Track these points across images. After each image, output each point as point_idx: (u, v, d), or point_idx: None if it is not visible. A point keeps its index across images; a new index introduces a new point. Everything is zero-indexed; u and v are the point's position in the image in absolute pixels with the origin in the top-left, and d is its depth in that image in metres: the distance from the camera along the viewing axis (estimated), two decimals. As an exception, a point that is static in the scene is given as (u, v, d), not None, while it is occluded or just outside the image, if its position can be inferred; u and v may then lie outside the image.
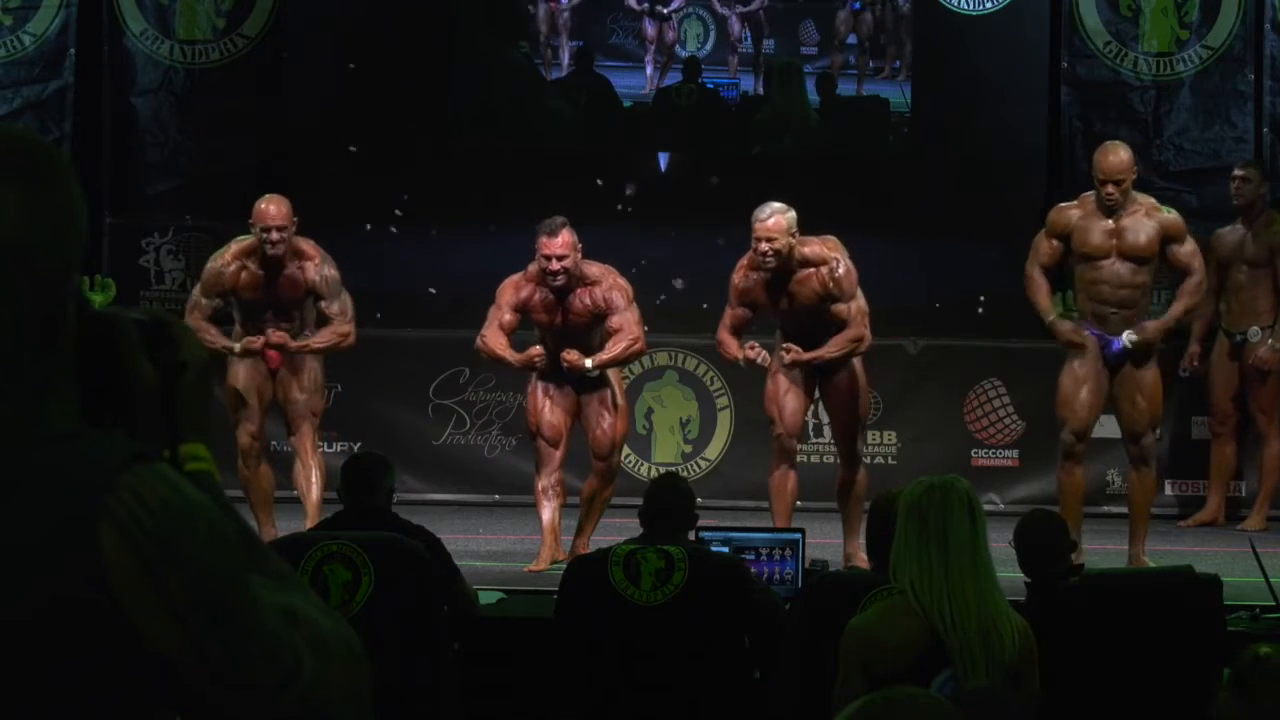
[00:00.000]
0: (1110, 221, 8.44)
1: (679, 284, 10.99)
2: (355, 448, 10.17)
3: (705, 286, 10.06)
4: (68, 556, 1.67)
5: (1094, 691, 5.95)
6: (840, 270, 8.36)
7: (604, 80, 11.84)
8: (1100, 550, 8.53)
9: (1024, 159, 11.40)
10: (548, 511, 8.52)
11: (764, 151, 11.75)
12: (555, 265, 8.38)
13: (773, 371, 8.52)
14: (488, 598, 7.21)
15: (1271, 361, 10.04)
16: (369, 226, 11.22)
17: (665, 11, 11.79)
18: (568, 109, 11.83)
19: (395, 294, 11.22)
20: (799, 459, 8.96)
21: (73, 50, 11.62)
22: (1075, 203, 8.65)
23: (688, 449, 10.87)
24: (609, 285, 8.51)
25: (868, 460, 9.97)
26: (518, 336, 8.63)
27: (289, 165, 11.31)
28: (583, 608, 6.25)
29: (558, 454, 8.60)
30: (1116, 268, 8.46)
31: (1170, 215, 8.53)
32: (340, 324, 8.81)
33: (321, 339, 8.81)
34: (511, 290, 8.56)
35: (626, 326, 8.46)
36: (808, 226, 8.48)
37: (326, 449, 9.71)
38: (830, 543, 8.61)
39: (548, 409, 8.60)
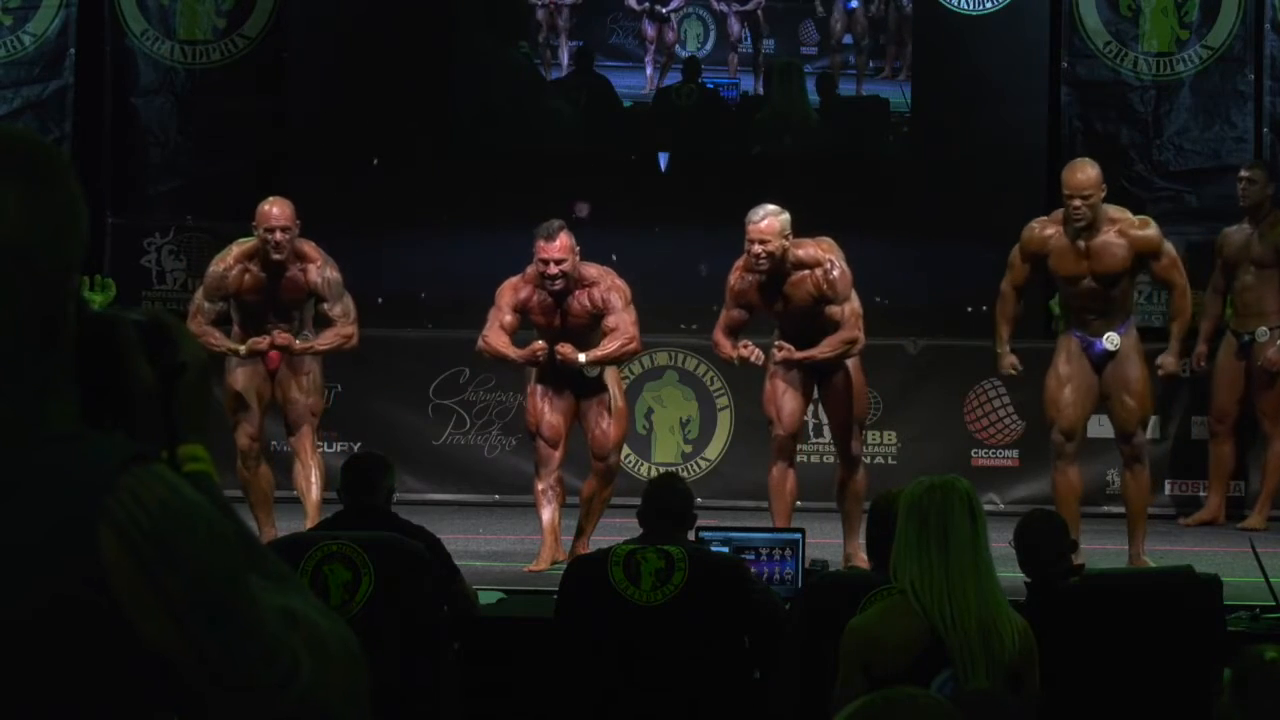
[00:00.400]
0: (1082, 242, 8.43)
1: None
2: (355, 448, 10.17)
3: (705, 286, 10.06)
4: (67, 557, 1.67)
5: (1094, 691, 5.95)
6: (835, 273, 8.36)
7: (604, 80, 11.84)
8: (1100, 550, 8.54)
9: (1024, 159, 11.40)
10: (548, 512, 8.52)
11: (764, 151, 11.75)
12: (553, 269, 8.39)
13: (771, 372, 8.53)
14: (488, 598, 7.22)
15: (1279, 362, 10.03)
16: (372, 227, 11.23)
17: (664, 11, 11.79)
18: (568, 109, 11.84)
19: (395, 294, 11.22)
20: (799, 459, 8.97)
21: (73, 50, 11.63)
22: (1049, 219, 8.64)
23: (688, 449, 10.87)
24: (607, 286, 8.51)
25: (868, 460, 9.97)
26: (517, 337, 8.63)
27: (289, 165, 11.32)
28: (583, 608, 6.25)
29: (557, 454, 8.61)
30: (1092, 285, 8.48)
31: (1142, 233, 8.45)
32: (343, 326, 8.81)
33: (325, 340, 8.81)
34: (510, 292, 8.57)
35: (622, 326, 8.46)
36: (808, 227, 8.49)
37: (326, 449, 9.71)
38: (830, 543, 8.61)
39: (547, 410, 8.61)
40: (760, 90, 11.80)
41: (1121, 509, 9.13)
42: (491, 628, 6.93)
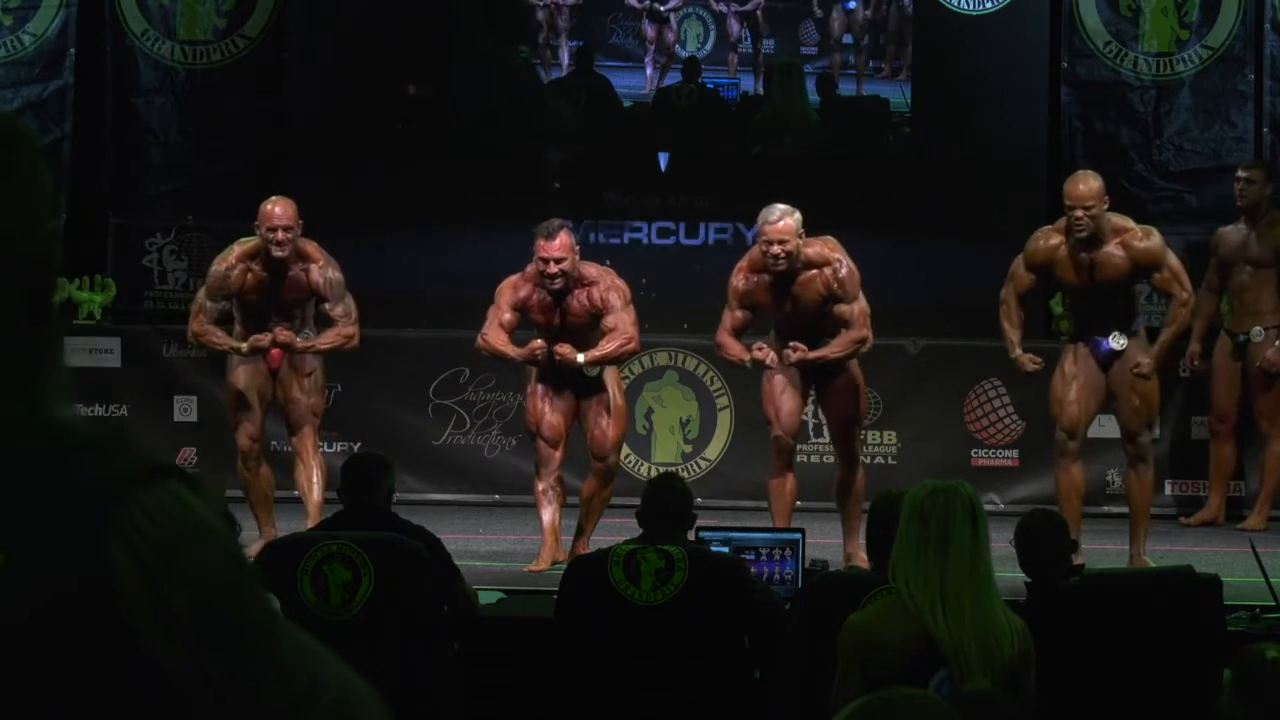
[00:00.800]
0: (1085, 255, 8.44)
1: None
2: (355, 448, 10.17)
3: (705, 286, 10.05)
4: (74, 563, 1.67)
5: (1094, 691, 5.95)
6: (843, 271, 8.39)
7: (604, 80, 11.84)
8: (1100, 550, 8.54)
9: (1024, 159, 11.40)
10: (548, 513, 8.52)
11: (764, 151, 11.75)
12: (553, 268, 8.39)
13: (768, 372, 8.53)
14: (488, 598, 7.22)
15: (1278, 363, 10.03)
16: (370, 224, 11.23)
17: (663, 11, 11.79)
18: (568, 109, 11.84)
19: (396, 294, 11.22)
20: (798, 459, 8.96)
21: (73, 50, 11.64)
22: (1054, 228, 8.65)
23: (688, 449, 10.87)
24: (606, 286, 8.52)
25: (868, 460, 9.97)
26: (518, 336, 8.64)
27: (289, 165, 11.33)
28: (583, 608, 6.25)
29: (558, 455, 8.61)
30: (1096, 294, 8.51)
31: (1144, 245, 8.45)
32: (345, 326, 8.81)
33: (327, 340, 8.81)
34: (510, 290, 8.57)
35: (621, 326, 8.47)
36: (809, 227, 8.49)
37: (326, 449, 9.71)
38: (830, 543, 8.61)
39: (548, 410, 8.61)
40: (760, 90, 11.80)
41: (1121, 509, 9.13)
42: (491, 628, 6.93)
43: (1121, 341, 8.51)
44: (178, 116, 11.64)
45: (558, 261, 8.38)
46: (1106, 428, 9.31)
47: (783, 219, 8.32)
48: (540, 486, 8.57)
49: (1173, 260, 8.53)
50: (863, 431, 9.29)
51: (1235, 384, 10.20)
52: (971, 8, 11.42)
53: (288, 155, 11.43)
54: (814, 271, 8.39)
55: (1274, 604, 6.73)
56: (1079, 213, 8.39)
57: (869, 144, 11.82)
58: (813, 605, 5.85)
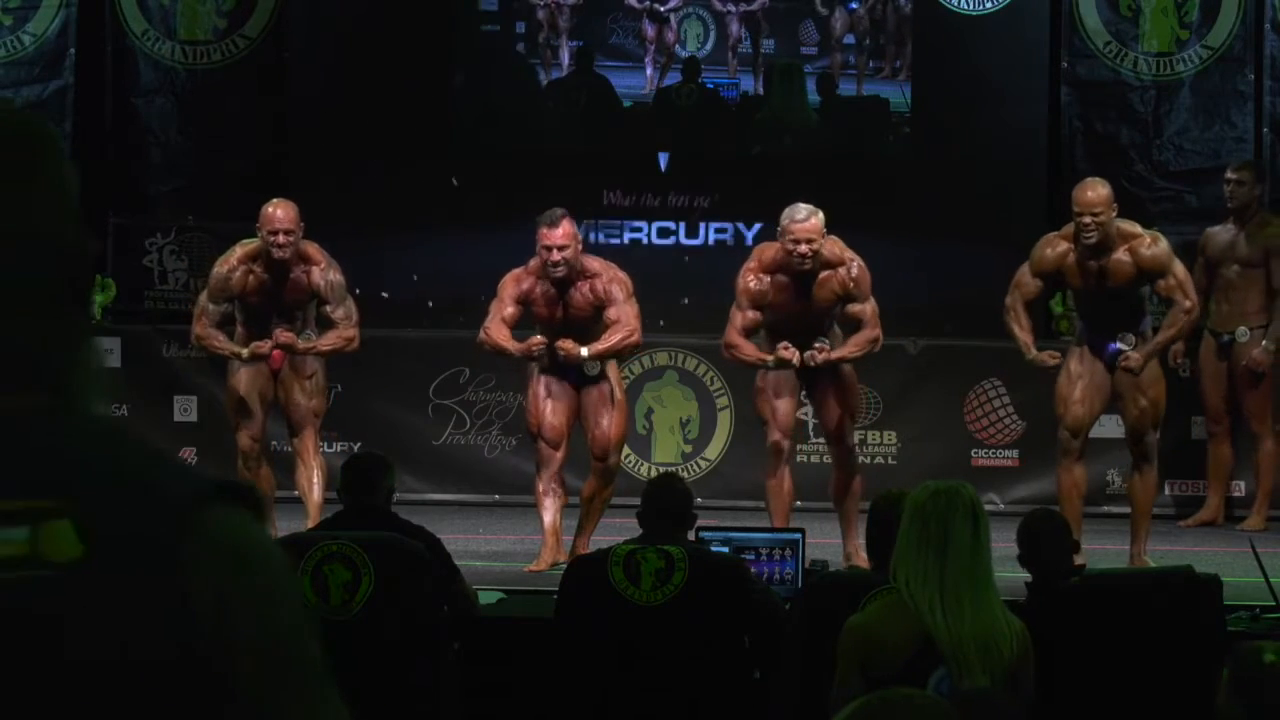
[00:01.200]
0: (1093, 262, 8.45)
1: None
2: (355, 448, 10.17)
3: (705, 285, 10.06)
4: (151, 569, 1.63)
5: (1094, 691, 5.95)
6: (855, 270, 8.41)
7: (604, 80, 11.84)
8: (1100, 550, 8.54)
9: (1024, 159, 11.40)
10: (549, 513, 8.52)
11: (764, 151, 11.75)
12: (555, 255, 8.40)
13: (761, 373, 8.53)
14: (488, 598, 7.22)
15: (1265, 363, 10.04)
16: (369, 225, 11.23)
17: (663, 10, 11.79)
18: (568, 109, 11.84)
19: (396, 294, 11.22)
20: (796, 459, 8.96)
21: (73, 50, 11.64)
22: (1060, 235, 8.65)
23: (688, 449, 10.87)
24: (609, 278, 8.53)
25: (868, 460, 9.98)
26: (518, 333, 8.63)
27: (289, 166, 11.33)
28: (583, 608, 6.26)
29: (559, 455, 8.60)
30: (1104, 298, 8.52)
31: (1150, 252, 8.45)
32: (345, 328, 8.82)
33: (327, 342, 8.82)
34: (513, 283, 8.58)
35: (624, 319, 8.47)
36: (808, 227, 8.49)
37: (326, 449, 9.71)
38: (830, 543, 8.61)
39: (549, 410, 8.61)
40: (760, 90, 11.80)
41: (1122, 509, 9.13)
42: (491, 628, 6.94)
43: (1131, 341, 8.51)
44: (178, 116, 11.65)
45: (560, 249, 8.39)
46: (1107, 428, 9.31)
47: (810, 218, 8.32)
48: (541, 487, 8.57)
49: (1178, 268, 8.54)
50: (862, 431, 9.29)
51: (1222, 383, 10.21)
52: (971, 8, 11.42)
53: (288, 155, 11.43)
54: (830, 271, 8.41)
55: (1274, 604, 6.73)
56: (1087, 219, 8.39)
57: (869, 144, 11.82)
58: (813, 605, 5.85)
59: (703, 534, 7.04)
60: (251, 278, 8.75)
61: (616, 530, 7.90)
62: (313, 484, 8.81)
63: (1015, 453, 10.72)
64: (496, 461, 10.80)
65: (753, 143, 11.78)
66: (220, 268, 8.82)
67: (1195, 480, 10.53)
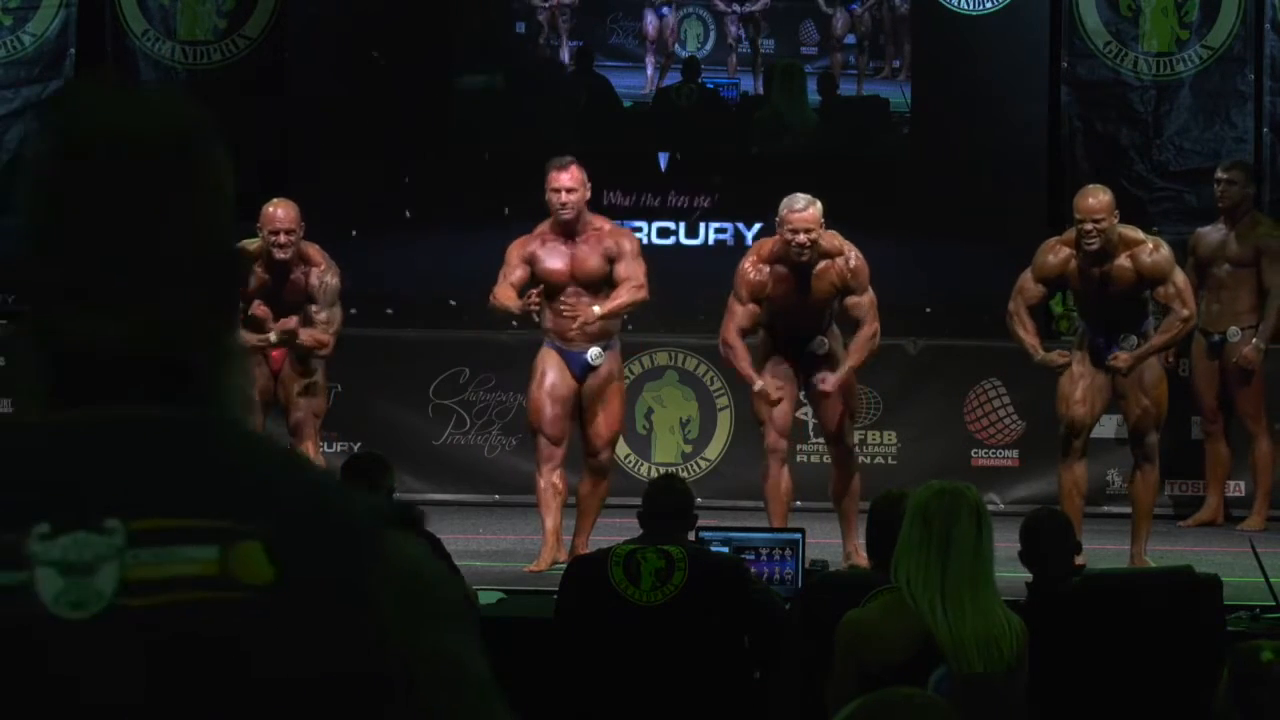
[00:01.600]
0: (1095, 268, 8.47)
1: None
2: (355, 448, 10.17)
3: (705, 285, 10.05)
4: (339, 594, 1.61)
5: (1094, 691, 5.95)
6: (854, 261, 8.42)
7: (604, 80, 11.84)
8: (1100, 550, 8.53)
9: (1024, 159, 11.41)
10: (551, 514, 8.51)
11: (764, 151, 11.75)
12: (564, 197, 8.45)
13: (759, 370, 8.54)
14: (488, 598, 7.22)
15: (1255, 360, 10.04)
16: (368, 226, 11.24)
17: (662, 11, 11.79)
18: (568, 109, 11.84)
19: (395, 294, 11.22)
20: (797, 459, 8.96)
21: (73, 50, 11.64)
22: (1061, 240, 8.65)
23: (688, 449, 10.87)
24: (620, 234, 8.66)
25: (868, 460, 9.97)
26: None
27: (289, 166, 11.33)
28: (583, 608, 6.25)
29: (559, 452, 8.61)
30: (1106, 302, 8.53)
31: (1151, 259, 8.46)
32: (323, 332, 8.78)
33: (305, 335, 8.77)
34: (518, 247, 8.64)
35: (633, 274, 8.50)
36: (808, 226, 8.49)
37: (326, 449, 9.71)
38: (830, 543, 8.61)
39: (549, 406, 8.61)
40: (760, 90, 11.81)
41: (1122, 509, 9.13)
42: (491, 628, 6.93)
43: (1133, 342, 8.52)
44: (178, 117, 11.63)
45: (569, 190, 8.45)
46: (1107, 428, 9.32)
47: (808, 207, 8.34)
48: (542, 484, 8.57)
49: (1179, 276, 8.54)
50: (862, 431, 9.29)
51: (1214, 383, 10.22)
52: (971, 8, 11.42)
53: (287, 155, 11.43)
54: (828, 262, 8.42)
55: (1274, 604, 6.73)
56: (1089, 226, 8.40)
57: (869, 144, 11.82)
58: (812, 605, 5.85)
59: (703, 534, 7.04)
60: (252, 278, 8.75)
61: (616, 530, 7.90)
62: (313, 484, 8.79)
63: (1015, 453, 10.72)
64: (496, 461, 10.80)
65: (753, 143, 11.79)
66: (220, 268, 8.80)
67: (1195, 480, 10.53)
